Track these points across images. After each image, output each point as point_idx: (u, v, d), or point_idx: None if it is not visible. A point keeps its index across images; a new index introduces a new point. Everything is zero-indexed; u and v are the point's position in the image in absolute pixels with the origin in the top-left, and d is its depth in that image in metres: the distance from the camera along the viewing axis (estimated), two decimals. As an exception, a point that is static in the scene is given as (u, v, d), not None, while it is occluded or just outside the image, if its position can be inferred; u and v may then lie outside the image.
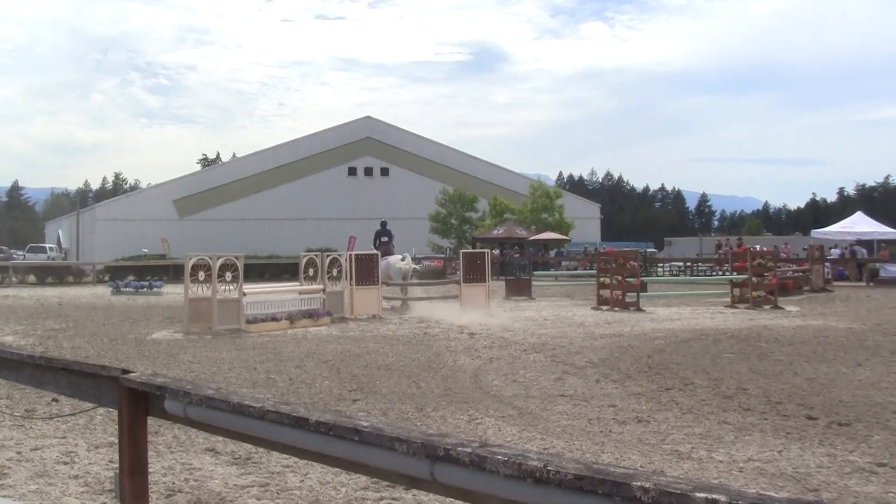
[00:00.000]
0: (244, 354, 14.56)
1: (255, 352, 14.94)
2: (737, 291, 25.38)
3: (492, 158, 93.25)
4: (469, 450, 2.84)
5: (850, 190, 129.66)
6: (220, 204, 70.93)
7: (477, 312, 21.91)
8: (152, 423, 5.66)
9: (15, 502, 5.99)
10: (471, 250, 29.28)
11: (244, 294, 18.76)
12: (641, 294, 24.61)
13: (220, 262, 18.42)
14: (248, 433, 3.97)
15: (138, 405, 4.48)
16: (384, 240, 26.30)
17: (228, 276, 18.46)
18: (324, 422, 3.43)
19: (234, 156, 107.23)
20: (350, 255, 22.66)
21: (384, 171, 74.33)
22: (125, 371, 4.57)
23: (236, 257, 18.97)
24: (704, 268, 45.71)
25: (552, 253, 56.32)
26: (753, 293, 24.50)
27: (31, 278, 45.07)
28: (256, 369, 12.76)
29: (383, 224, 27.58)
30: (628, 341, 16.10)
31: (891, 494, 6.30)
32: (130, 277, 38.46)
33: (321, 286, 21.00)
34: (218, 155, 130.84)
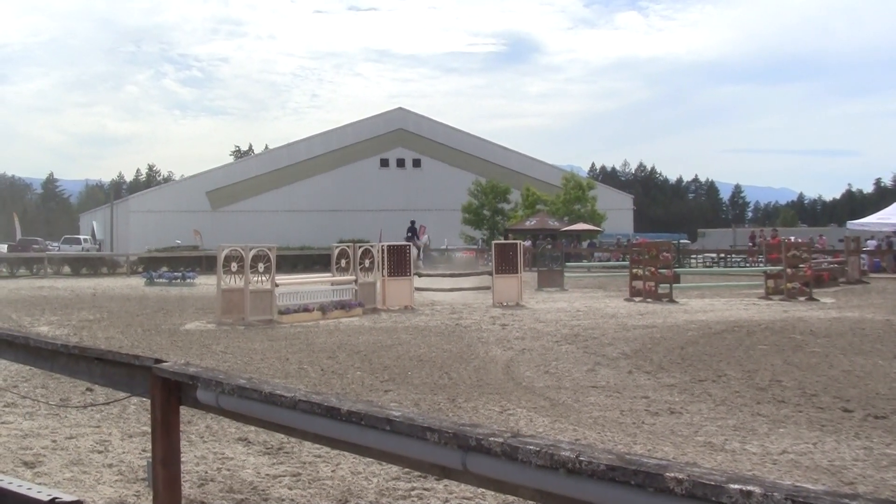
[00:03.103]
0: (276, 345, 14.62)
1: (288, 342, 15.00)
2: (771, 283, 25.15)
3: (525, 149, 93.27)
4: (501, 440, 2.83)
5: (888, 181, 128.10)
6: (252, 195, 71.35)
7: (508, 303, 21.97)
8: (185, 412, 5.70)
9: (50, 489, 6.06)
10: (503, 241, 29.24)
11: (276, 285, 18.84)
12: (674, 285, 24.47)
13: (252, 253, 18.50)
14: (280, 423, 3.98)
15: (171, 394, 4.50)
16: (408, 235, 27.67)
17: (261, 267, 18.53)
18: (355, 411, 3.44)
19: (266, 147, 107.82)
20: (382, 246, 22.69)
21: (416, 163, 74.40)
22: (158, 361, 4.59)
23: (269, 248, 19.05)
24: (738, 259, 45.48)
25: (585, 244, 56.13)
26: (788, 285, 24.29)
27: (66, 269, 45.49)
28: (289, 360, 12.81)
29: (412, 222, 28.78)
30: (661, 333, 16.01)
31: (929, 488, 6.22)
32: (164, 268, 38.81)
33: (353, 277, 21.06)
34: (250, 146, 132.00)
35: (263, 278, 18.59)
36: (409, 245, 23.97)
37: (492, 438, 2.86)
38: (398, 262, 22.14)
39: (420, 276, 24.73)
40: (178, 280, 33.89)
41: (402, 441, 3.26)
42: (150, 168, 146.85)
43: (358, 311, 20.32)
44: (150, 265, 42.15)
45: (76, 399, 9.55)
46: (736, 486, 2.26)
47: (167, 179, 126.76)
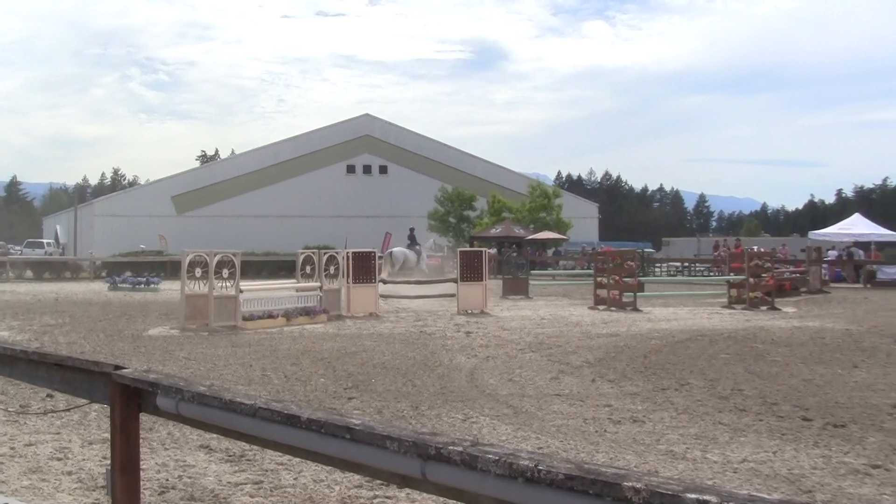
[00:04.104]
0: (240, 351, 14.55)
1: (252, 349, 14.94)
2: (734, 292, 25.38)
3: (491, 157, 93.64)
4: (460, 448, 2.83)
5: (849, 192, 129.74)
6: (218, 201, 71.01)
7: (473, 311, 22.05)
8: (147, 419, 5.63)
9: (7, 498, 5.98)
10: (468, 249, 29.29)
11: (241, 291, 18.74)
12: (638, 294, 24.59)
13: (217, 258, 18.40)
14: (240, 430, 3.95)
15: (130, 401, 4.46)
16: (408, 242, 38.21)
17: (225, 272, 18.44)
18: (315, 419, 3.42)
19: (233, 152, 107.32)
20: (347, 252, 22.64)
21: (383, 169, 74.40)
22: (118, 367, 4.55)
23: (233, 254, 18.95)
24: (702, 268, 45.74)
25: (550, 252, 56.30)
26: (751, 294, 24.49)
27: (29, 273, 44.98)
28: (252, 366, 12.75)
29: (411, 230, 37.87)
30: (625, 341, 16.10)
31: (885, 496, 6.30)
32: (127, 273, 38.45)
33: (318, 284, 21.01)
34: (217, 151, 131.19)
35: (228, 284, 18.50)
36: (375, 251, 23.89)
37: (451, 447, 2.86)
38: (363, 269, 22.12)
39: (385, 282, 24.73)
40: (142, 285, 33.62)
41: (362, 449, 3.24)
42: (116, 172, 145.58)
43: (322, 317, 20.27)
44: (113, 270, 41.79)
45: (36, 405, 9.44)
46: (693, 496, 2.27)
47: (133, 183, 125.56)
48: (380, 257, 32.44)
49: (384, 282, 24.68)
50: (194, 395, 4.04)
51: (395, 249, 39.47)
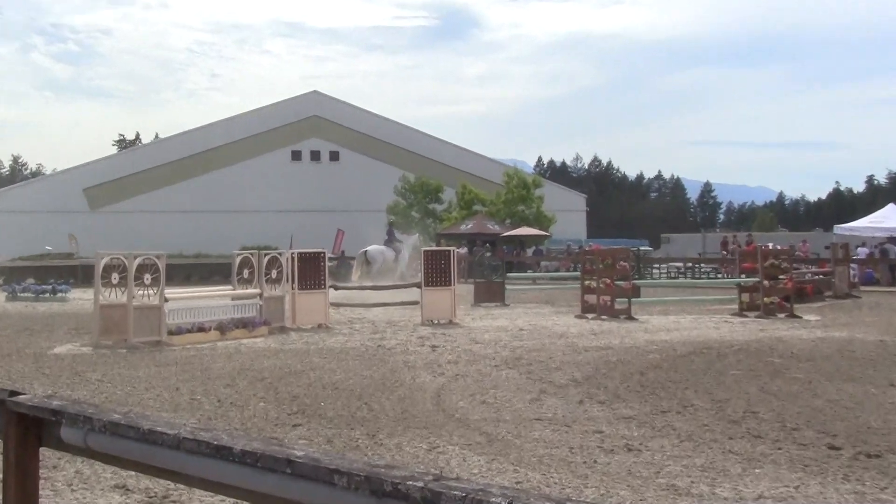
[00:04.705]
0: (165, 372, 14.44)
1: (179, 368, 14.84)
2: (746, 297, 25.46)
3: (461, 141, 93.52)
4: (421, 484, 2.79)
5: (881, 178, 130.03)
6: (139, 193, 70.54)
7: (440, 320, 22.07)
8: (50, 455, 5.54)
9: None
10: (434, 248, 29.27)
11: (166, 300, 18.60)
12: (633, 300, 24.65)
13: (137, 261, 18.24)
14: (162, 465, 3.89)
15: (28, 433, 4.38)
16: (387, 239, 38.94)
17: (148, 278, 18.27)
18: (250, 451, 3.37)
19: (157, 136, 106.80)
20: (293, 254, 22.54)
21: (334, 156, 74.27)
22: (13, 393, 4.46)
23: (157, 256, 18.80)
24: (708, 269, 46.03)
25: (530, 251, 56.41)
26: (765, 299, 24.61)
27: None
28: (179, 389, 12.65)
29: (390, 225, 37.94)
30: (618, 355, 16.12)
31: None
32: (30, 280, 38.05)
33: (258, 290, 20.90)
34: (138, 136, 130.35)
35: (151, 292, 18.34)
36: (324, 252, 23.83)
37: (410, 483, 2.82)
38: (311, 273, 22.04)
39: (336, 288, 24.69)
40: (48, 294, 33.28)
41: (305, 486, 3.20)
42: (15, 160, 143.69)
43: (263, 330, 20.18)
44: (13, 276, 41.35)
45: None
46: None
47: (36, 173, 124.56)
48: (331, 258, 32.44)
49: (335, 287, 24.63)
50: (107, 424, 3.97)
51: (370, 248, 39.66)
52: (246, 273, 21.11)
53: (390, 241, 41.49)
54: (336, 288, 24.64)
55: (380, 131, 75.04)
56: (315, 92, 77.23)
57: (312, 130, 74.24)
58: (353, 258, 48.67)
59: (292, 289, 21.75)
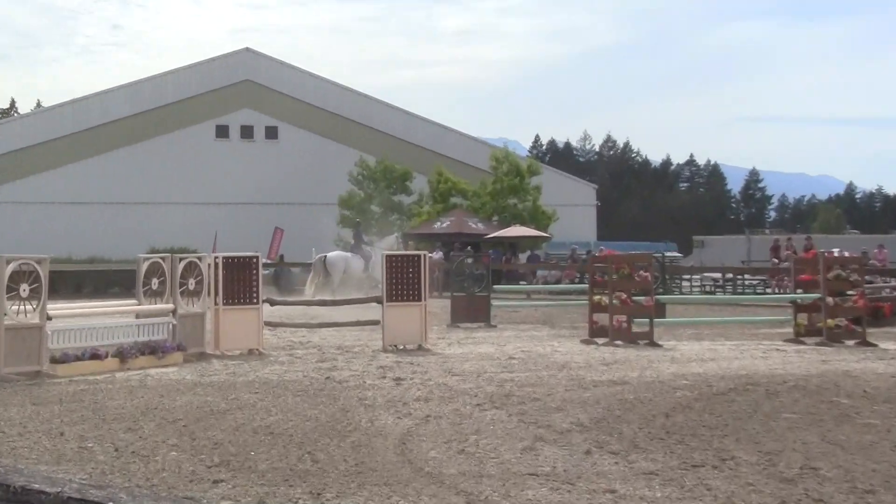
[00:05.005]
0: (46, 411, 14.33)
1: (64, 407, 14.71)
2: (803, 319, 25.41)
3: (435, 115, 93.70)
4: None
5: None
6: (16, 178, 70.30)
7: (407, 345, 22.04)
8: None
9: None
10: (398, 252, 29.26)
11: (49, 318, 18.49)
12: (657, 321, 24.66)
13: (11, 268, 18.09)
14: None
15: None
16: (353, 243, 39.23)
17: (25, 289, 18.14)
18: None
19: (38, 105, 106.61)
20: (217, 258, 22.42)
21: (271, 132, 74.34)
22: None
23: (38, 261, 18.65)
24: (754, 282, 46.15)
25: (523, 257, 56.56)
26: (829, 322, 24.60)
27: None
28: (64, 434, 12.54)
29: (357, 223, 38.35)
30: (636, 392, 16.11)
31: None
32: None
33: (170, 306, 20.79)
34: (13, 104, 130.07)
35: (28, 307, 18.21)
36: (258, 255, 23.79)
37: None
38: (240, 284, 21.94)
39: (273, 303, 24.62)
40: None
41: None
42: None
43: (176, 357, 20.08)
44: None
45: None
46: None
47: None
48: (267, 265, 32.43)
49: (272, 302, 24.55)
50: (-40, 480, 3.91)
51: (331, 254, 39.68)
52: (155, 283, 20.98)
53: (358, 245, 41.35)
54: (273, 303, 24.56)
55: (331, 102, 75.12)
56: (248, 50, 77.31)
57: (243, 100, 74.26)
58: (295, 265, 48.83)
59: (216, 304, 21.65)
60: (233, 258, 22.70)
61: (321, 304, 27.26)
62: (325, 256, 39.57)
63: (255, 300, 22.11)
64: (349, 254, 40.23)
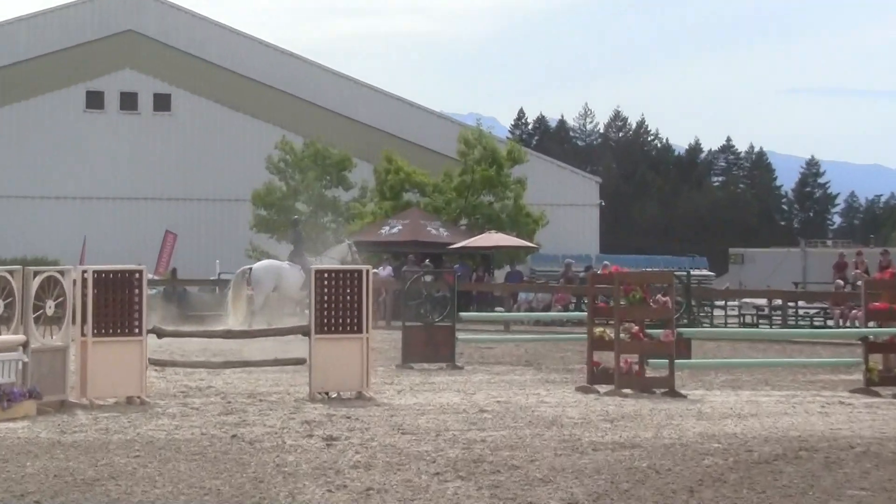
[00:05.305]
0: None
1: None
2: (877, 361, 25.40)
3: (385, 83, 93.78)
4: None
5: None
6: None
7: (342, 393, 22.03)
8: None
9: None
10: (332, 266, 29.25)
11: None
12: (679, 362, 24.69)
13: None
14: None
15: None
16: (293, 249, 40.18)
17: None
18: None
19: None
20: (85, 273, 22.32)
21: (161, 102, 74.31)
22: None
23: None
24: (811, 310, 46.31)
25: (500, 275, 56.65)
26: (911, 366, 24.65)
27: None
28: None
29: (295, 219, 40.04)
30: (650, 459, 16.13)
31: None
32: None
33: (21, 337, 20.70)
34: None
35: None
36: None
37: None
38: (117, 307, 21.87)
39: (161, 335, 24.47)
40: None
41: None
42: None
43: (28, 407, 19.99)
44: None
45: None
46: None
47: None
48: (154, 282, 32.36)
49: (159, 333, 24.40)
50: None
51: (257, 265, 39.56)
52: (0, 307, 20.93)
53: (299, 252, 40.97)
54: (161, 334, 24.42)
55: (245, 62, 75.06)
56: (130, -10, 77.21)
57: (125, 57, 74.15)
58: (193, 282, 48.78)
59: (83, 335, 21.57)
60: (107, 272, 22.60)
61: (225, 335, 27.07)
62: (251, 269, 39.32)
63: (136, 330, 22.00)
64: (285, 263, 39.65)
